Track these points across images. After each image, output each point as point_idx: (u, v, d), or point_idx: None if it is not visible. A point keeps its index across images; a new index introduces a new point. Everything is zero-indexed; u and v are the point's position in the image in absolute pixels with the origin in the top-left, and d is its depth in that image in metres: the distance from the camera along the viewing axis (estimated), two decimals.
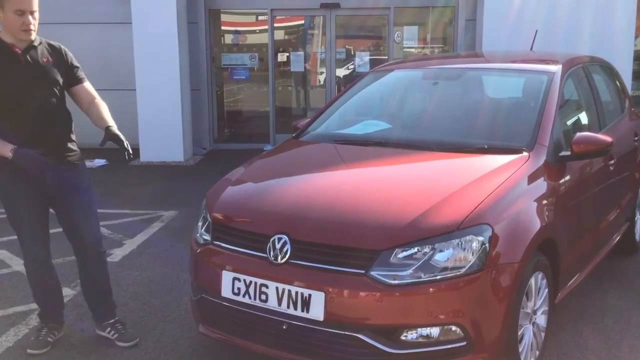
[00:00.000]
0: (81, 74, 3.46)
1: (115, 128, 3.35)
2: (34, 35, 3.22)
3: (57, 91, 3.31)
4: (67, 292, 4.28)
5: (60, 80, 3.33)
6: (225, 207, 3.24)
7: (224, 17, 10.92)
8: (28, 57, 3.21)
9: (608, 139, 3.53)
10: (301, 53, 10.80)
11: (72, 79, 3.41)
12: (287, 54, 10.80)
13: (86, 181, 3.50)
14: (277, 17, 10.57)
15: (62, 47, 3.41)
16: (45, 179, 3.26)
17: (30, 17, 3.14)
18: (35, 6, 3.17)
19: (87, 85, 3.48)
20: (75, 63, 3.44)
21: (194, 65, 9.84)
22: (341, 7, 10.12)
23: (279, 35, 11.07)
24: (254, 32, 11.28)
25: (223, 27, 11.08)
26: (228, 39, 11.18)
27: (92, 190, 3.53)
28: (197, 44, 9.95)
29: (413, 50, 10.75)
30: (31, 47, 3.23)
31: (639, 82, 11.18)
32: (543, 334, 3.18)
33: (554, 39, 7.63)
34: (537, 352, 3.13)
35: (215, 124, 10.61)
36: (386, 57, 10.24)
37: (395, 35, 10.34)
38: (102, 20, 10.04)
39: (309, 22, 11.19)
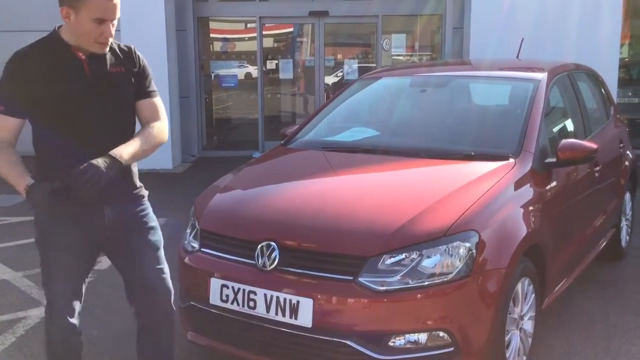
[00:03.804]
0: (152, 85, 2.70)
1: (104, 160, 2.38)
2: (108, 48, 2.53)
3: (125, 107, 2.62)
4: None
5: (131, 94, 2.62)
6: (214, 215, 3.24)
7: (212, 25, 10.94)
8: (94, 64, 2.51)
9: (593, 145, 3.57)
10: (290, 60, 10.84)
11: (140, 90, 2.65)
12: (276, 62, 10.83)
13: (154, 218, 2.75)
14: (266, 25, 10.60)
15: (134, 49, 2.67)
16: (103, 217, 2.56)
17: (110, 27, 2.46)
18: (118, 13, 2.48)
19: (155, 101, 2.69)
20: (148, 71, 2.70)
21: (183, 72, 9.83)
22: (330, 15, 10.16)
23: (268, 42, 11.10)
24: (242, 39, 11.31)
25: (212, 35, 11.10)
26: (217, 46, 11.20)
27: (159, 229, 2.76)
28: (186, 52, 9.95)
29: (401, 57, 10.81)
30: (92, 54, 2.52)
31: (625, 89, 11.32)
32: (530, 340, 3.20)
33: (540, 47, 7.70)
34: (525, 358, 3.14)
35: (204, 132, 10.61)
36: (374, 65, 10.29)
37: (384, 43, 10.41)
38: None
39: (297, 30, 11.23)
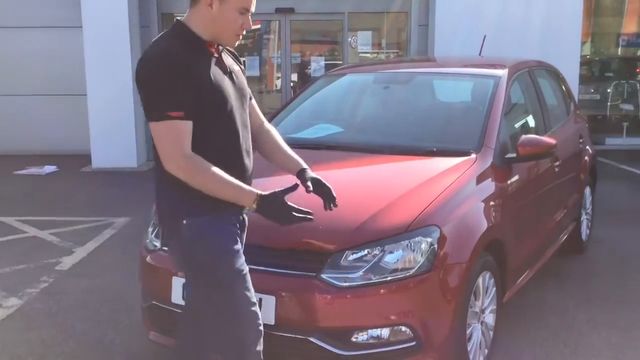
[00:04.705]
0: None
1: (310, 170, 2.51)
2: None
3: (247, 105, 2.48)
4: (14, 302, 4.18)
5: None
6: None
7: None
8: (225, 62, 2.38)
9: (552, 141, 3.63)
10: (257, 58, 10.79)
11: None
12: (243, 59, 10.77)
13: None
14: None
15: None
16: (245, 222, 2.50)
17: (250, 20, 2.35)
18: None
19: (254, 102, 2.60)
20: None
21: None
22: (296, 12, 10.14)
23: None
24: None
25: None
26: None
27: None
28: None
29: (368, 55, 10.84)
30: (221, 50, 2.40)
31: (587, 86, 11.56)
32: (492, 333, 3.23)
33: (504, 44, 7.79)
34: (486, 351, 3.18)
35: None
36: (341, 62, 10.30)
37: (351, 40, 10.43)
38: (51, 24, 9.85)
39: (264, 27, 11.18)
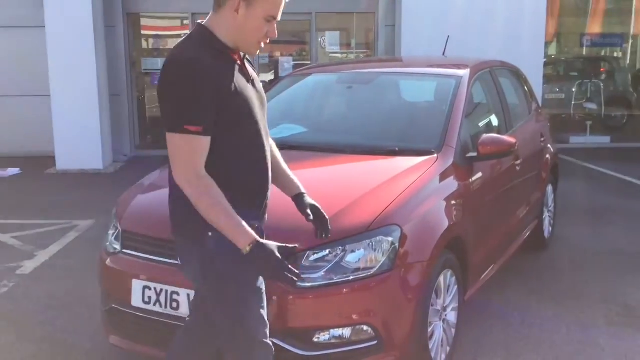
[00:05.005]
0: None
1: (308, 195, 2.48)
2: None
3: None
4: None
5: None
6: (135, 215, 3.17)
7: (144, 22, 10.71)
8: (247, 71, 2.28)
9: (512, 140, 3.67)
10: None
11: None
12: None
13: None
14: (199, 22, 10.43)
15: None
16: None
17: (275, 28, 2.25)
18: None
19: None
20: None
21: (113, 70, 9.59)
22: None
23: None
24: (177, 36, 11.12)
25: (143, 32, 10.86)
26: (149, 43, 10.97)
27: None
28: (115, 48, 9.70)
29: (338, 55, 10.86)
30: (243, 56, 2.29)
31: (552, 85, 11.76)
32: (454, 330, 3.26)
33: (469, 45, 7.87)
34: (448, 349, 3.20)
35: (137, 130, 10.37)
36: (310, 62, 10.30)
37: (320, 40, 10.43)
38: (14, 24, 9.66)
39: None
